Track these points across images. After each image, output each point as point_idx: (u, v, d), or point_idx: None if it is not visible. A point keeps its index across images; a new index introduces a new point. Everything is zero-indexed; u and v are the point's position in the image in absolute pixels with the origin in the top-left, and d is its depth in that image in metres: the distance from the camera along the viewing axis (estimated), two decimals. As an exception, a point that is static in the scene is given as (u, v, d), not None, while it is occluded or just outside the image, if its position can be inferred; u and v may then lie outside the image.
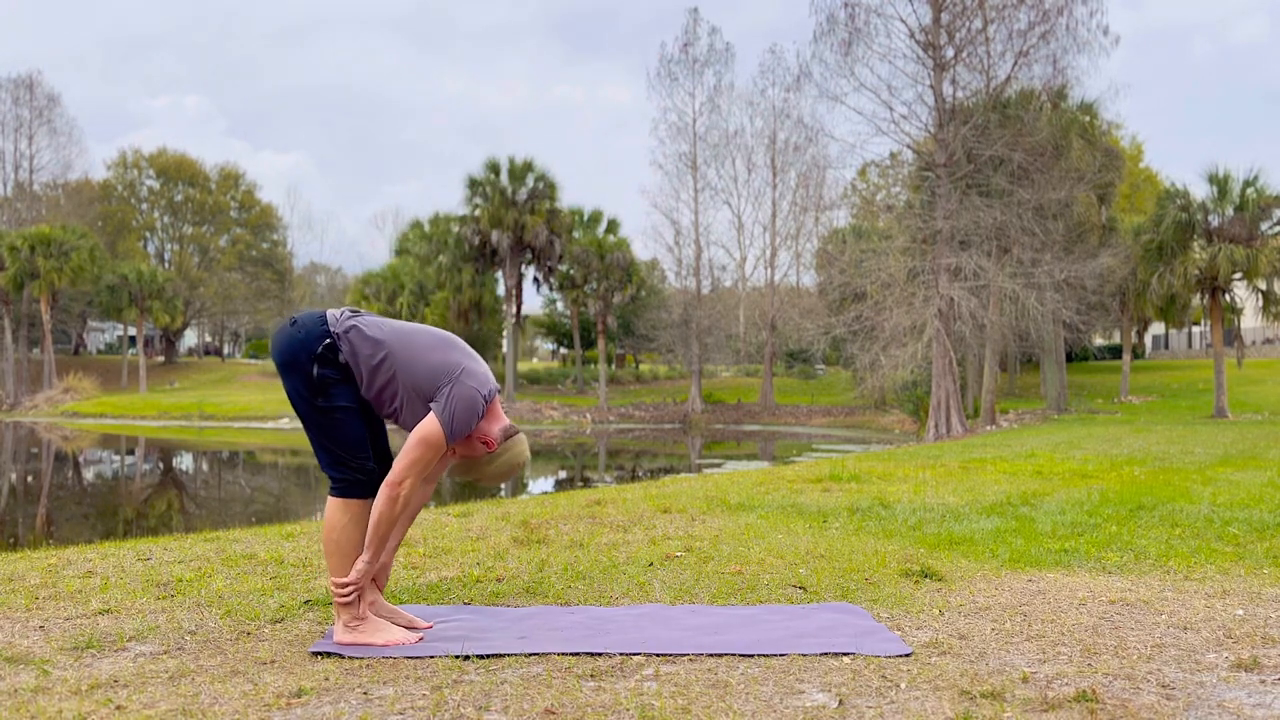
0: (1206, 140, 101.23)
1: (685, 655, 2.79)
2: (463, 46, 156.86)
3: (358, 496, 2.92)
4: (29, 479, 17.84)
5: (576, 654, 2.78)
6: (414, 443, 2.86)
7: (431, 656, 2.74)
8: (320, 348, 2.87)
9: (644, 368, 53.84)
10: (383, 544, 2.92)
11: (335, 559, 2.90)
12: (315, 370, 2.86)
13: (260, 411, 36.25)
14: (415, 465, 2.85)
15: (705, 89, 38.35)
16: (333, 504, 2.93)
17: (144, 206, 55.67)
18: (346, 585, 2.86)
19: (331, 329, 2.90)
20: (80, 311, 51.40)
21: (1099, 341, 47.88)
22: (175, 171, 54.57)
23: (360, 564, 2.88)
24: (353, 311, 3.02)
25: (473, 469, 3.02)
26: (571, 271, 40.25)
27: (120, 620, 3.14)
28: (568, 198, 57.09)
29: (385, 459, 3.09)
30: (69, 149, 49.88)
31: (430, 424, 2.86)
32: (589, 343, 47.05)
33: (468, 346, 3.07)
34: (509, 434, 3.01)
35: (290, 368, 2.88)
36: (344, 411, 2.90)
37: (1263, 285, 24.13)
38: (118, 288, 44.25)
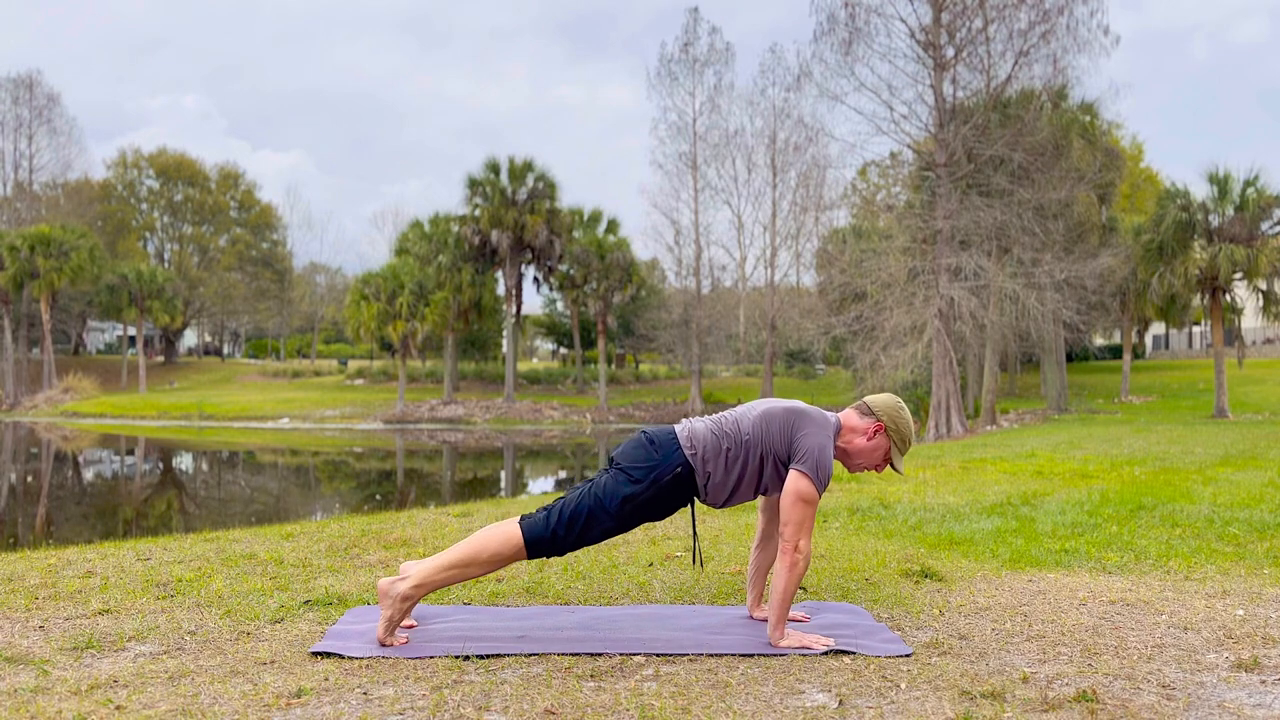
0: (1206, 140, 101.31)
1: (685, 655, 2.79)
2: (463, 47, 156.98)
3: (532, 553, 2.95)
4: (29, 479, 17.83)
5: (576, 654, 2.78)
6: (791, 504, 2.92)
7: (431, 656, 2.74)
8: (673, 472, 2.97)
9: (644, 368, 53.84)
10: (787, 611, 2.94)
11: (456, 566, 2.92)
12: (654, 489, 2.96)
13: (260, 411, 36.25)
14: (802, 526, 2.91)
15: (705, 89, 38.32)
16: (511, 534, 2.94)
17: (144, 206, 55.63)
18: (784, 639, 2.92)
19: (687, 454, 3.00)
20: (80, 311, 51.38)
21: (1099, 341, 47.88)
22: (175, 171, 54.54)
23: (774, 634, 2.91)
24: (687, 423, 3.12)
25: (894, 456, 3.11)
26: (571, 271, 40.24)
27: (120, 620, 3.13)
28: (568, 198, 57.21)
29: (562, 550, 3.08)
30: (69, 149, 49.89)
31: (799, 481, 2.92)
32: (589, 343, 47.04)
33: (791, 402, 3.13)
34: (865, 412, 3.11)
35: (631, 480, 2.97)
36: (616, 519, 2.96)
37: (1263, 285, 24.13)
38: (117, 288, 44.24)
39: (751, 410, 3.12)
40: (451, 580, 2.96)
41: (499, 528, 2.99)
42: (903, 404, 3.15)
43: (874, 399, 3.15)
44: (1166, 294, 24.90)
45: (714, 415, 3.15)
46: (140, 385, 43.96)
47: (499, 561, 2.95)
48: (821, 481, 2.94)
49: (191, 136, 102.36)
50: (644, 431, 3.08)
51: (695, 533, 3.25)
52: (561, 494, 3.19)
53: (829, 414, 3.10)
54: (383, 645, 2.81)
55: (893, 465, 3.13)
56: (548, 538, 2.94)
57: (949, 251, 22.37)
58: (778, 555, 2.95)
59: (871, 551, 4.54)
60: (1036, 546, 4.65)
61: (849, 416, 3.13)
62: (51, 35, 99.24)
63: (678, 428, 3.09)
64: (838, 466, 4.48)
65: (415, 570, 2.98)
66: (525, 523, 2.97)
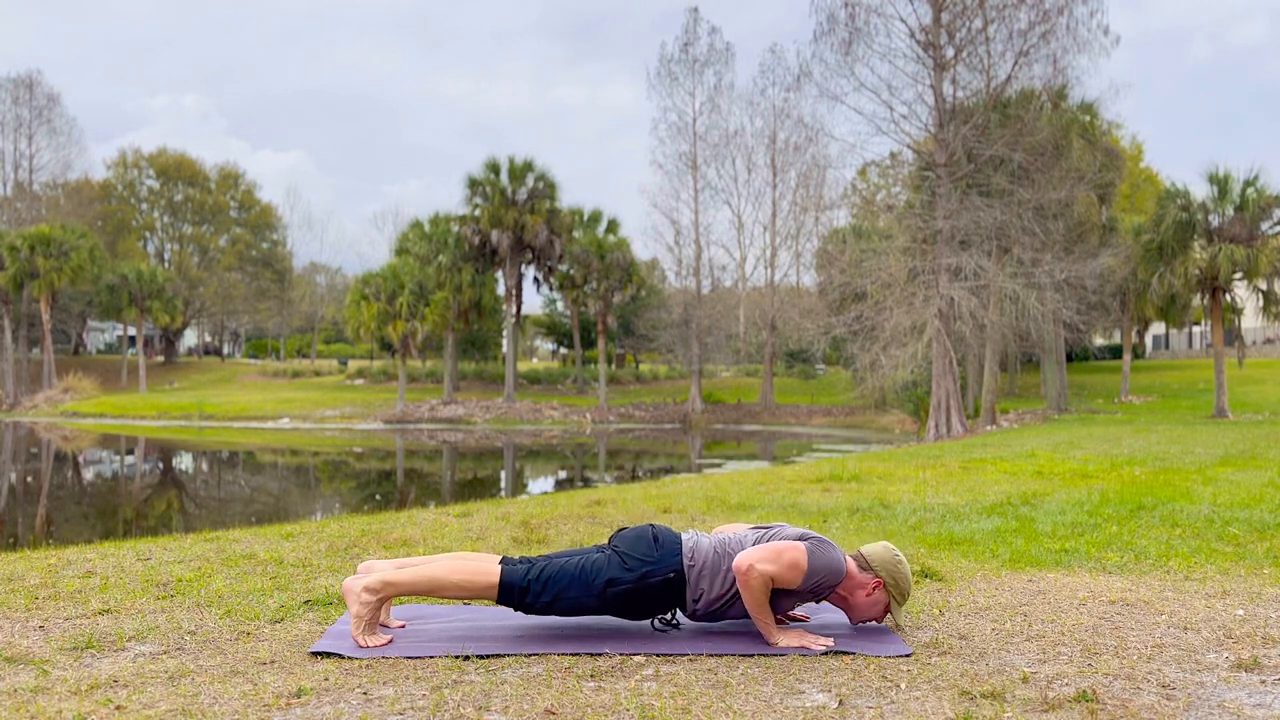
0: (1206, 140, 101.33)
1: (685, 655, 2.79)
2: (464, 47, 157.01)
3: (501, 597, 2.96)
4: (29, 479, 17.83)
5: (576, 654, 2.78)
6: (775, 547, 2.90)
7: (431, 656, 2.74)
8: (665, 576, 2.96)
9: (644, 368, 53.83)
10: (768, 619, 2.92)
11: (426, 580, 2.94)
12: (641, 585, 2.95)
13: (260, 411, 36.25)
14: (770, 564, 2.85)
15: (705, 89, 38.34)
16: (488, 571, 2.94)
17: (144, 206, 55.63)
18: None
19: (685, 563, 2.99)
20: (80, 311, 51.39)
21: (1099, 341, 47.87)
22: (175, 171, 54.54)
23: (770, 640, 2.90)
24: (694, 535, 3.11)
25: (894, 609, 3.07)
26: (571, 271, 40.24)
27: (120, 620, 3.13)
28: (568, 198, 57.17)
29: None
30: (69, 149, 49.89)
31: (797, 550, 2.91)
32: (589, 343, 47.04)
33: (804, 530, 3.12)
34: (863, 566, 3.07)
35: (624, 566, 2.96)
36: (595, 598, 2.95)
37: (1263, 285, 24.13)
38: (117, 287, 44.24)
39: (763, 532, 3.12)
40: (418, 591, 2.97)
41: (479, 560, 3.01)
42: (900, 556, 3.09)
43: (870, 552, 3.09)
44: (1166, 294, 24.90)
45: (720, 535, 3.14)
46: (140, 385, 43.96)
47: (467, 591, 2.96)
48: (813, 571, 2.89)
49: (191, 136, 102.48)
50: (651, 526, 3.09)
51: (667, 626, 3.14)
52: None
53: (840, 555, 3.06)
54: (361, 647, 2.80)
55: (893, 617, 3.10)
56: (521, 587, 2.94)
57: (949, 251, 22.37)
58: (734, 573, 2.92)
59: (871, 551, 4.54)
60: (1036, 546, 4.65)
61: (849, 568, 3.07)
62: (51, 35, 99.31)
63: (685, 535, 3.08)
64: None
65: (382, 567, 3.00)
66: (506, 566, 2.97)
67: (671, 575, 2.96)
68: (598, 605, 2.96)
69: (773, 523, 3.24)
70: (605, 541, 3.10)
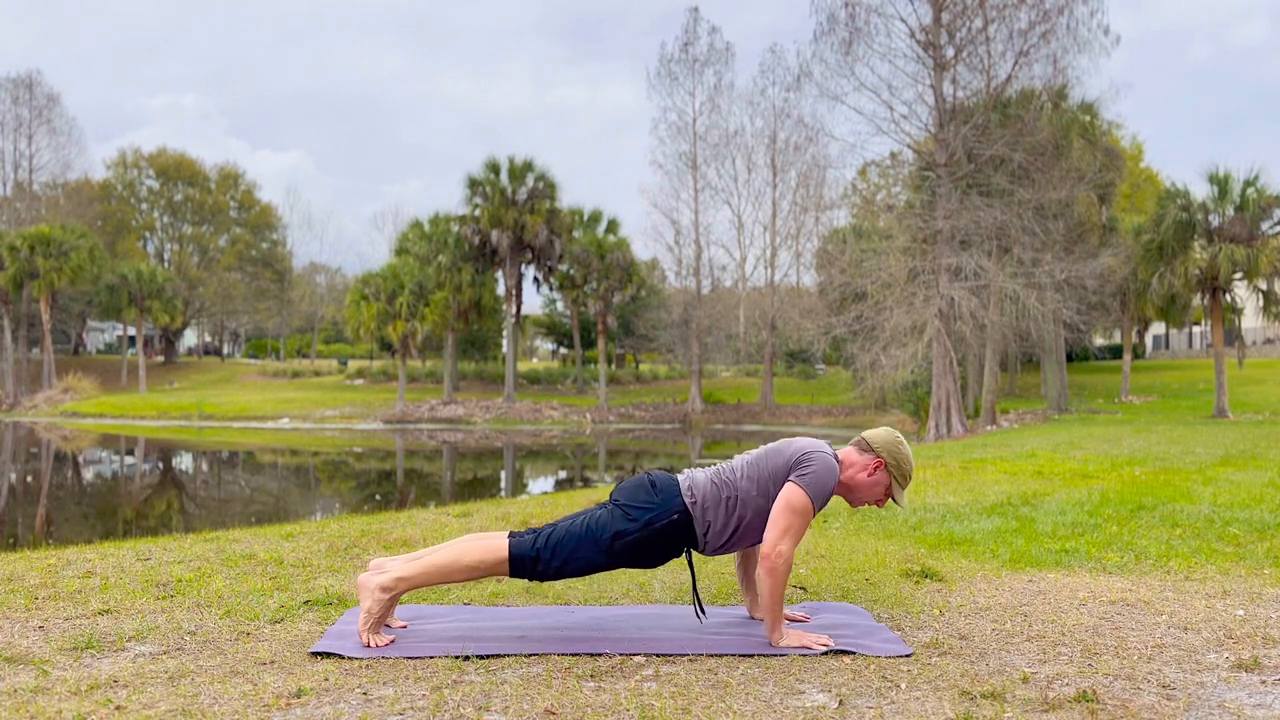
0: (1206, 140, 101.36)
1: (685, 655, 2.79)
2: (464, 47, 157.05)
3: (514, 570, 2.96)
4: (28, 479, 17.83)
5: (576, 654, 2.78)
6: (779, 511, 2.91)
7: (431, 656, 2.74)
8: (670, 519, 2.97)
9: (644, 368, 53.82)
10: (780, 614, 2.92)
11: (438, 567, 2.94)
12: (648, 531, 2.95)
13: (260, 411, 36.25)
14: (787, 532, 2.89)
15: (705, 88, 38.32)
16: (497, 547, 2.95)
17: (144, 206, 55.61)
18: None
19: (686, 500, 3.00)
20: (80, 311, 51.37)
21: (1099, 341, 47.87)
22: (175, 171, 54.53)
23: (773, 636, 2.91)
24: (689, 473, 3.13)
25: (895, 491, 3.11)
26: (571, 271, 40.23)
27: (120, 620, 3.13)
28: (568, 198, 57.12)
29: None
30: (68, 149, 49.83)
31: (792, 490, 2.92)
32: (589, 343, 47.04)
33: (795, 439, 3.14)
34: (864, 448, 3.10)
35: (628, 518, 2.97)
36: (605, 554, 2.96)
37: (1263, 285, 24.12)
38: (117, 287, 44.23)
39: (752, 453, 3.13)
40: (431, 581, 2.97)
41: (487, 538, 3.01)
42: (901, 438, 3.13)
43: (872, 434, 3.14)
44: (1166, 294, 24.89)
45: (715, 466, 3.15)
46: (140, 385, 43.95)
47: (480, 570, 2.96)
48: (817, 496, 2.93)
49: (191, 136, 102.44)
50: (647, 473, 3.10)
51: (695, 583, 3.18)
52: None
53: (832, 451, 3.08)
54: (366, 646, 2.80)
55: (894, 499, 3.13)
56: (531, 557, 2.94)
57: (949, 251, 22.37)
58: (758, 560, 2.94)
59: (871, 551, 4.54)
60: (1036, 546, 4.65)
61: (848, 454, 3.12)
62: (51, 35, 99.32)
63: (680, 476, 3.09)
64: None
65: (395, 564, 3.00)
66: (513, 539, 2.98)
67: (676, 516, 2.97)
68: (608, 560, 2.97)
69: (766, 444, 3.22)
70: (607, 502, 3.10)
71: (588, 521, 2.99)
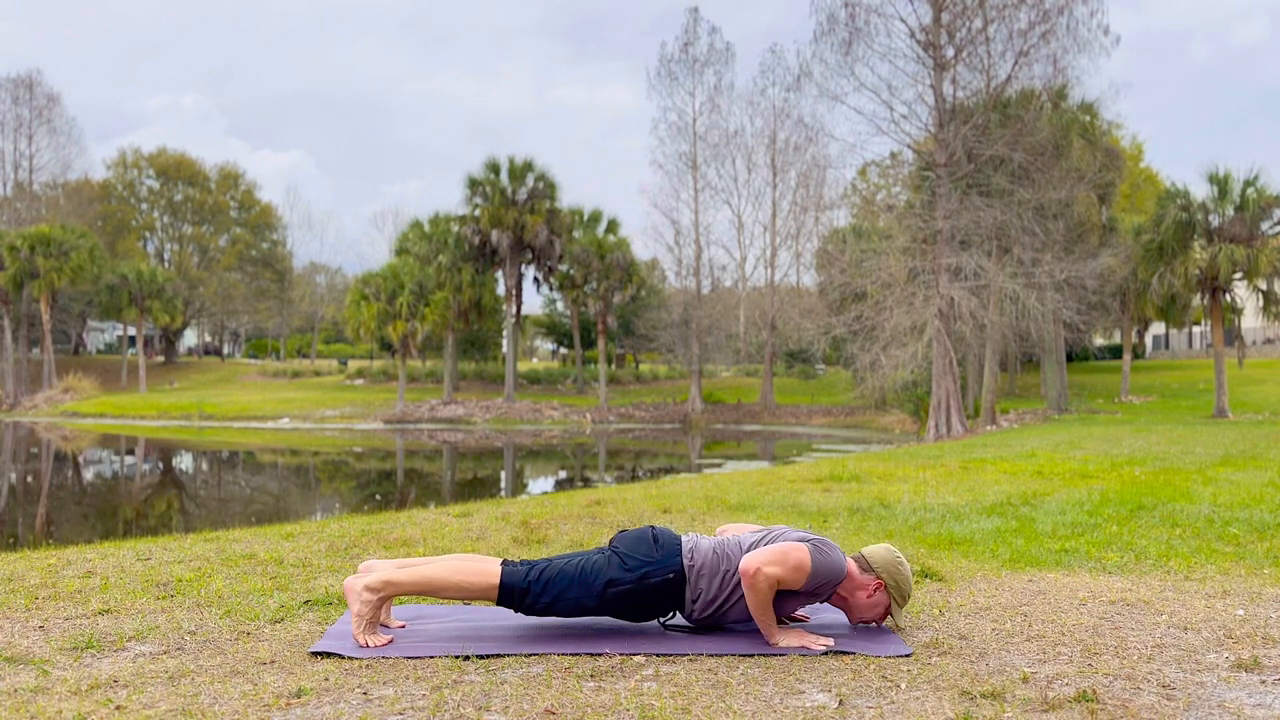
0: (1206, 140, 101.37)
1: (685, 655, 2.79)
2: (465, 47, 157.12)
3: (502, 598, 2.96)
4: (29, 479, 17.83)
5: (576, 654, 2.78)
6: (780, 550, 2.90)
7: (431, 656, 2.74)
8: (665, 577, 2.97)
9: (644, 368, 53.82)
10: (771, 620, 2.92)
11: (426, 580, 2.96)
12: (640, 585, 2.95)
13: (260, 411, 36.25)
14: (775, 565, 2.86)
15: (705, 88, 38.34)
16: (489, 572, 2.95)
17: (144, 206, 55.62)
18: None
19: (685, 563, 2.99)
20: (80, 311, 51.37)
21: (1099, 341, 47.88)
22: (175, 171, 54.53)
23: (771, 640, 2.91)
24: (694, 537, 3.12)
25: (894, 611, 3.08)
26: (571, 271, 40.24)
27: (120, 620, 3.13)
28: (568, 198, 57.15)
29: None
30: (68, 149, 49.86)
31: (801, 551, 2.91)
32: (589, 343, 47.03)
33: (804, 532, 3.13)
34: (864, 567, 3.08)
35: (624, 567, 2.97)
36: (595, 599, 2.96)
37: (1263, 285, 24.13)
38: (117, 287, 44.23)
39: (759, 533, 3.12)
40: (418, 591, 2.97)
41: (481, 561, 3.01)
42: (901, 558, 3.10)
43: (872, 554, 3.10)
44: (1166, 294, 24.90)
45: (720, 538, 3.14)
46: (140, 385, 43.96)
47: (468, 592, 2.97)
48: (817, 572, 2.90)
49: (191, 136, 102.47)
50: (651, 528, 3.09)
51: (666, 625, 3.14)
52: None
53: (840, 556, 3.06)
54: (363, 647, 2.80)
55: (893, 618, 3.10)
56: (521, 589, 2.94)
57: (949, 251, 22.36)
58: (739, 572, 2.91)
59: (871, 551, 4.54)
60: (1036, 546, 4.65)
61: (849, 568, 3.08)
62: (51, 35, 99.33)
63: (685, 537, 3.09)
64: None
65: (383, 567, 3.01)
66: (507, 567, 2.98)
67: (671, 576, 2.97)
68: (598, 606, 2.96)
69: (774, 525, 3.24)
70: (606, 543, 3.10)
71: (583, 564, 2.98)
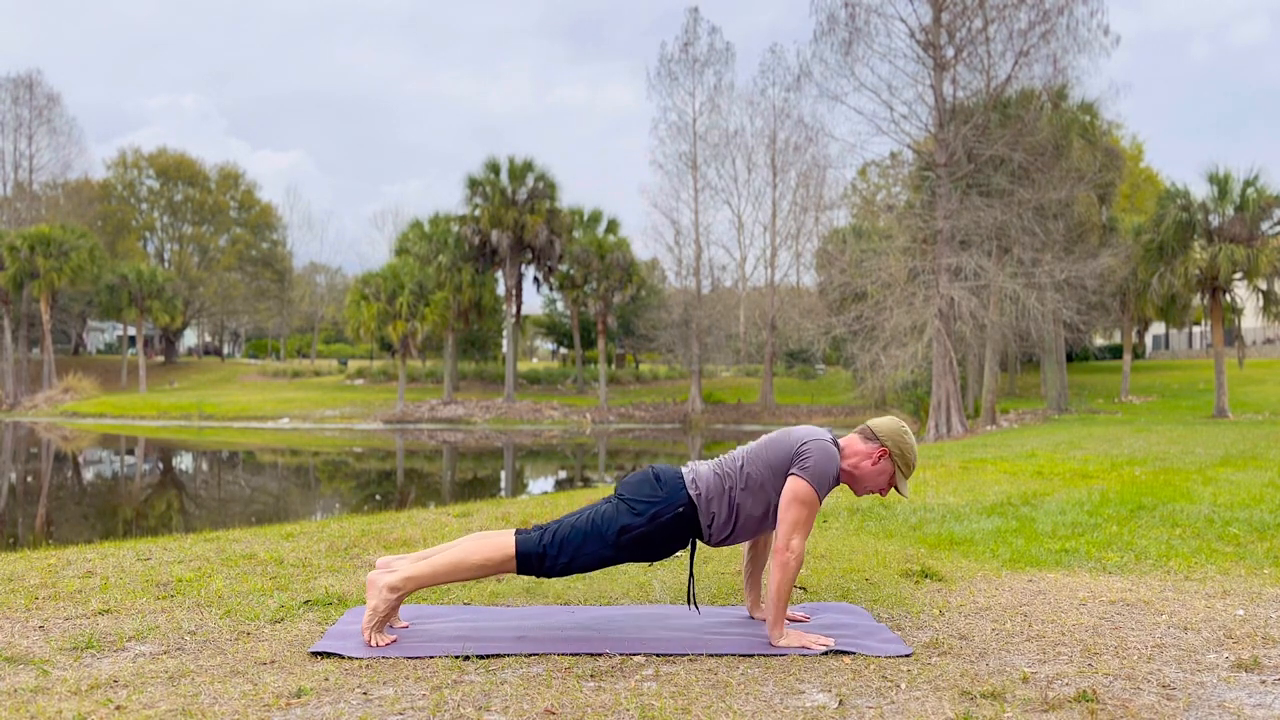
0: (1206, 140, 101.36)
1: (685, 655, 2.79)
2: (465, 47, 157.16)
3: (521, 567, 2.97)
4: (29, 479, 17.83)
5: (576, 654, 2.78)
6: (786, 504, 2.94)
7: (431, 656, 2.74)
8: (675, 512, 2.98)
9: (644, 368, 53.81)
10: (784, 610, 2.94)
11: (445, 566, 2.95)
12: (653, 525, 2.97)
13: (260, 411, 36.24)
14: (796, 525, 2.92)
15: (705, 88, 38.30)
16: (504, 544, 2.96)
17: (144, 206, 55.59)
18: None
19: (691, 494, 3.01)
20: (80, 311, 51.35)
21: (1099, 341, 47.87)
22: (175, 171, 54.52)
23: (773, 634, 2.92)
24: (693, 465, 3.14)
25: (899, 480, 3.12)
26: (571, 271, 40.23)
27: (120, 620, 3.13)
28: (568, 198, 57.13)
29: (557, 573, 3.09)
30: (68, 149, 49.81)
31: (796, 483, 2.94)
32: (589, 343, 47.03)
33: (795, 428, 3.14)
34: (869, 436, 3.11)
35: (633, 512, 2.98)
36: (612, 548, 2.97)
37: (1263, 285, 24.12)
38: (117, 287, 44.22)
39: (753, 444, 3.13)
40: (439, 580, 2.97)
41: (493, 536, 3.01)
42: (906, 428, 3.14)
43: (877, 423, 3.15)
44: (1166, 294, 24.89)
45: (718, 458, 3.16)
46: (140, 385, 43.95)
47: (488, 568, 2.97)
48: (820, 485, 2.95)
49: (191, 136, 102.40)
50: (651, 467, 3.11)
51: (692, 574, 3.20)
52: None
53: (832, 438, 3.10)
54: (369, 645, 2.81)
55: (898, 489, 3.14)
56: (538, 554, 2.95)
57: (949, 251, 22.36)
58: (770, 554, 2.96)
59: (871, 551, 4.54)
60: (1036, 546, 4.65)
61: (852, 441, 3.13)
62: (51, 35, 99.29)
63: (684, 469, 3.11)
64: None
65: (403, 562, 3.01)
66: (520, 536, 2.99)
67: (681, 509, 2.99)
68: (615, 555, 2.98)
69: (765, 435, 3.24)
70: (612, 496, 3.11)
71: (593, 517, 2.99)
